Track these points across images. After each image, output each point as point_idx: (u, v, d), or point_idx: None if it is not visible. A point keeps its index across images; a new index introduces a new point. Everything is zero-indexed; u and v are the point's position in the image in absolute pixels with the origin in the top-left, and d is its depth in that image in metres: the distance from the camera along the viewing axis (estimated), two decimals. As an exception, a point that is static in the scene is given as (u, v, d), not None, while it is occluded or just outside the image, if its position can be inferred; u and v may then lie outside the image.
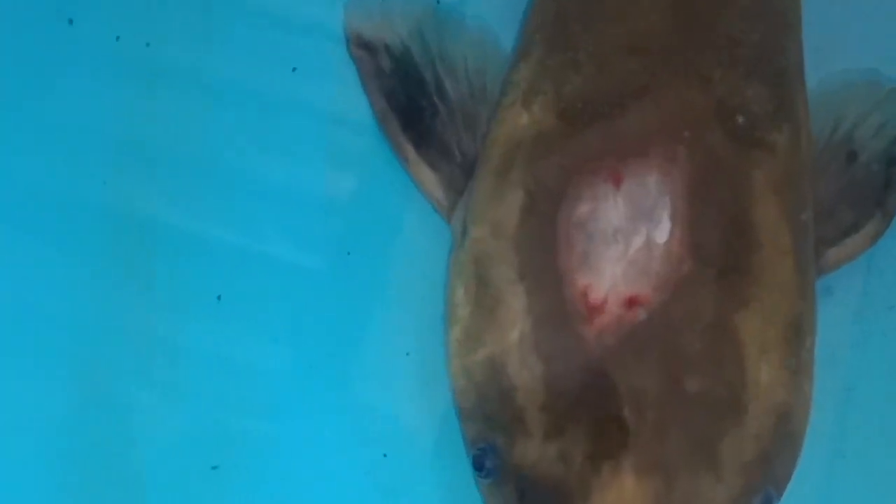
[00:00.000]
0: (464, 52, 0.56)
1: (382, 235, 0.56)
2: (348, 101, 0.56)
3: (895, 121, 0.56)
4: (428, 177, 0.54)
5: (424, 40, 0.56)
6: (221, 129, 0.56)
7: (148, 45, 0.57)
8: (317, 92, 0.57)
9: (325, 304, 0.55)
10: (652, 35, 0.50)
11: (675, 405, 0.46)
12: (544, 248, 0.48)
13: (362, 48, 0.56)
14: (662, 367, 0.46)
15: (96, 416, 0.54)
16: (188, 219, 0.56)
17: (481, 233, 0.50)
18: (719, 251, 0.47)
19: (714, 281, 0.47)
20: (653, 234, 0.47)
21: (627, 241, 0.47)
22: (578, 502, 0.45)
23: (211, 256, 0.55)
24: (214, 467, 0.54)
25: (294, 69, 0.57)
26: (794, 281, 0.49)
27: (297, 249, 0.56)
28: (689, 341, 0.46)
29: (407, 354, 0.55)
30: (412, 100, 0.55)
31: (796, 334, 0.48)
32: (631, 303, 0.46)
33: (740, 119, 0.49)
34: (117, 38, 0.57)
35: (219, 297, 0.55)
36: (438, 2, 0.57)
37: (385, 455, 0.54)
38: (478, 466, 0.48)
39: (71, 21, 0.57)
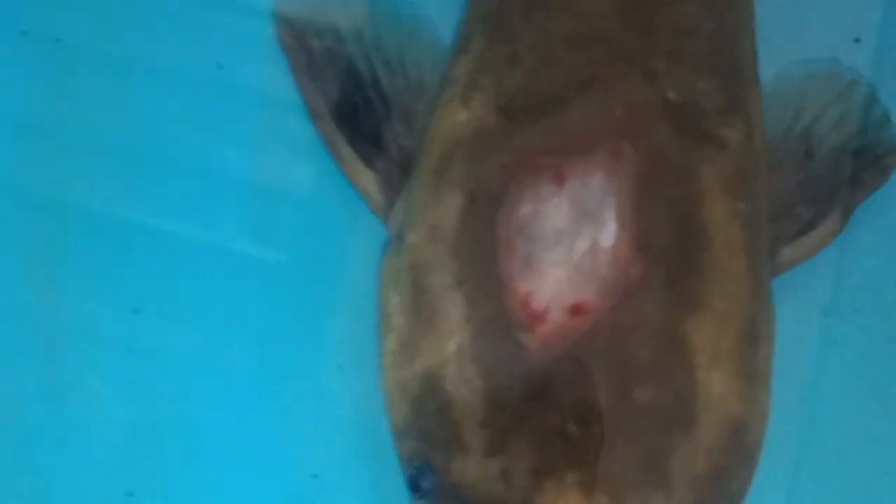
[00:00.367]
0: (400, 43, 0.55)
1: (318, 241, 0.55)
2: (279, 85, 0.55)
3: (855, 114, 0.56)
4: (363, 175, 0.54)
5: (358, 30, 0.55)
6: (150, 114, 0.56)
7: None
8: (245, 78, 0.57)
9: (251, 314, 0.54)
10: (597, 26, 0.50)
11: (623, 418, 0.45)
12: (484, 253, 0.47)
13: (293, 38, 0.55)
14: (609, 377, 0.45)
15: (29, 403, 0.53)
16: (108, 206, 0.55)
17: (418, 237, 0.49)
18: (668, 252, 0.47)
19: (663, 285, 0.46)
20: (598, 236, 0.46)
21: (571, 244, 0.46)
22: (521, 522, 0.44)
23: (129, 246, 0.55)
24: (129, 494, 0.53)
25: (220, 63, 0.57)
26: (747, 281, 0.48)
27: (211, 231, 0.55)
28: (636, 350, 0.45)
29: (338, 367, 0.54)
30: (346, 93, 0.54)
31: (750, 340, 0.48)
32: (575, 310, 0.46)
33: (689, 114, 0.49)
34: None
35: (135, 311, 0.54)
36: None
37: (315, 476, 0.53)
38: (413, 487, 0.47)
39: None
